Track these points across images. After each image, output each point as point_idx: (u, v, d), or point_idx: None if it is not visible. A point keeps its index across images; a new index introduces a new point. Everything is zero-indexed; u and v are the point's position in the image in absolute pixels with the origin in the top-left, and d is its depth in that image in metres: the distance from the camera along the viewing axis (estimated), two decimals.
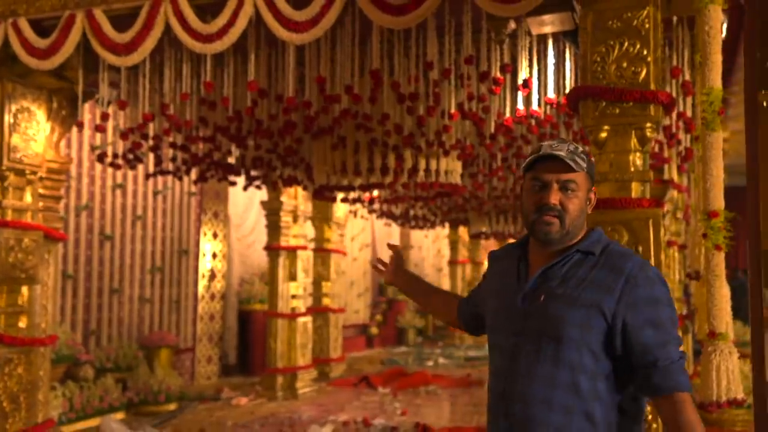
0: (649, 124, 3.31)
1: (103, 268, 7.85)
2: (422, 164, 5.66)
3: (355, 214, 10.44)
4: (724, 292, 3.09)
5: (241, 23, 3.98)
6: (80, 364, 6.78)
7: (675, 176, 6.08)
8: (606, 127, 3.34)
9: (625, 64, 3.32)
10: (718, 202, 3.12)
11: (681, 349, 1.73)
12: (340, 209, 9.80)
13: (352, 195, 7.60)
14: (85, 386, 6.52)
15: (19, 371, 4.68)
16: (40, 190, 5.02)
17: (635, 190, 3.32)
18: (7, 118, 4.66)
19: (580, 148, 1.79)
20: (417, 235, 16.46)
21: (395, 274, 2.36)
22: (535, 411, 1.72)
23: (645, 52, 3.30)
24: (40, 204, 5.01)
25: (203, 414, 7.23)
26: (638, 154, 3.34)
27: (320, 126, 5.10)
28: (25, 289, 4.82)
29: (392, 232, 15.66)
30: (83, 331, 7.51)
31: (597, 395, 1.72)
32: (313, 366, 8.89)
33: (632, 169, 3.33)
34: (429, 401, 8.17)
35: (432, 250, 17.70)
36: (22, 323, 4.78)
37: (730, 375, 2.92)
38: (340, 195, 7.51)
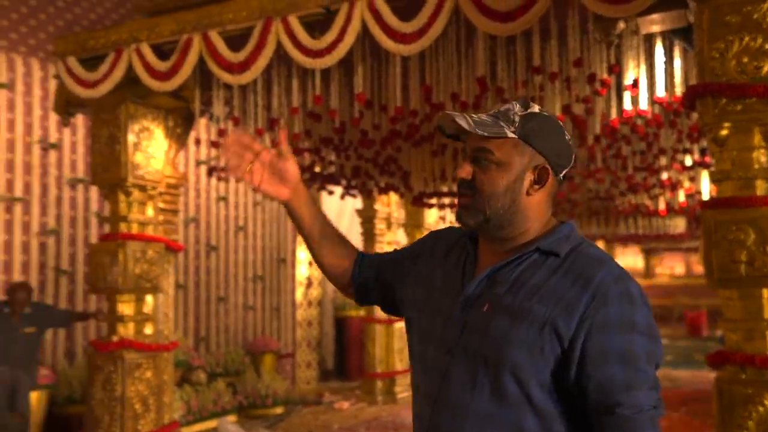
0: None
1: (210, 277, 8.21)
2: None
3: (443, 219, 10.48)
4: None
5: (350, 38, 4.11)
6: (194, 369, 7.11)
7: None
8: (727, 125, 3.25)
9: (746, 60, 3.23)
10: None
11: (656, 395, 1.26)
12: (431, 216, 9.87)
13: (448, 201, 7.65)
14: (199, 390, 6.83)
15: (148, 375, 4.97)
16: (160, 204, 5.32)
17: (760, 187, 3.23)
18: (131, 138, 4.96)
19: (534, 110, 1.40)
20: None
21: (295, 188, 1.53)
22: None
23: (767, 46, 3.22)
24: (160, 217, 5.31)
25: (309, 417, 7.44)
26: (762, 150, 3.24)
27: (422, 134, 5.19)
28: (149, 298, 5.11)
29: None
30: (194, 337, 7.89)
31: None
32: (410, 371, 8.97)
33: (756, 166, 3.23)
34: None
35: None
36: (148, 330, 5.08)
37: None
38: (438, 201, 7.56)
